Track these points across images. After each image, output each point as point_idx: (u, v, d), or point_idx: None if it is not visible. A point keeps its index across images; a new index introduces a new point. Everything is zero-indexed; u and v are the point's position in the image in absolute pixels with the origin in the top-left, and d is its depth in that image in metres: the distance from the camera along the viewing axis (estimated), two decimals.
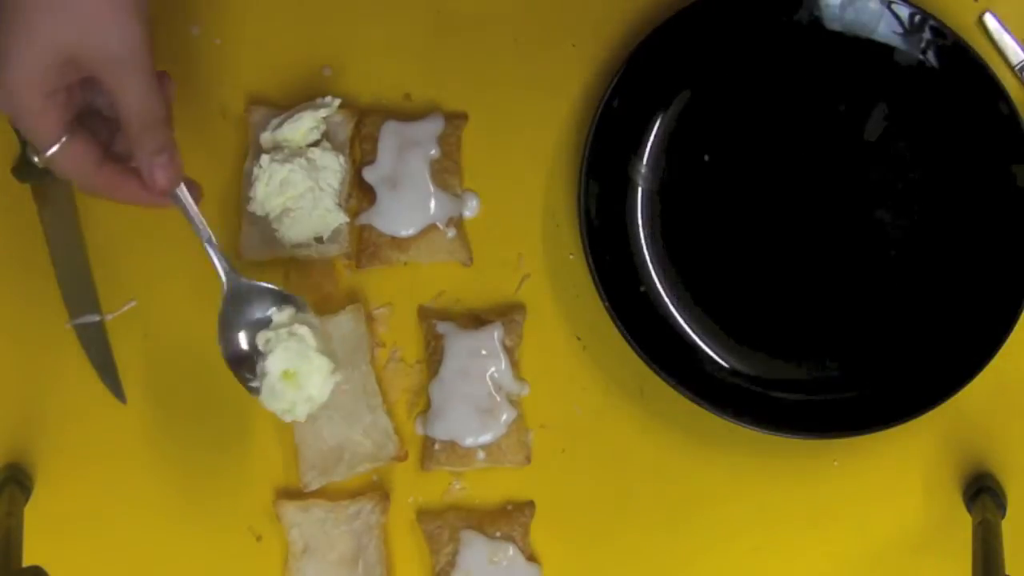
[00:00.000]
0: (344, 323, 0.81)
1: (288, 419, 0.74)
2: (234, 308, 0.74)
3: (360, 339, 0.81)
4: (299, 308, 0.75)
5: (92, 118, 0.70)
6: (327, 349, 0.75)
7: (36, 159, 0.69)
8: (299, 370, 0.74)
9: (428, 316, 0.82)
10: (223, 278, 0.74)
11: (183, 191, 0.72)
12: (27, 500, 0.79)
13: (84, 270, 0.82)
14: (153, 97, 0.69)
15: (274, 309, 0.75)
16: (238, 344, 0.75)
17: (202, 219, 0.72)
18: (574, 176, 0.82)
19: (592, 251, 0.80)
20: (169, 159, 0.70)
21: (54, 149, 0.68)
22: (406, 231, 0.82)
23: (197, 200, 0.73)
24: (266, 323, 0.75)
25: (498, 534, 0.80)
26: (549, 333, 0.83)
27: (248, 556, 0.81)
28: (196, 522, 0.81)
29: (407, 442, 0.81)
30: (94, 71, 0.67)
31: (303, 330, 0.74)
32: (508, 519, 0.80)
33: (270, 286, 0.75)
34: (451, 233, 0.82)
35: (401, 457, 0.80)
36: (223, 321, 0.74)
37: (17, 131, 0.78)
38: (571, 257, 0.83)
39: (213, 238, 0.73)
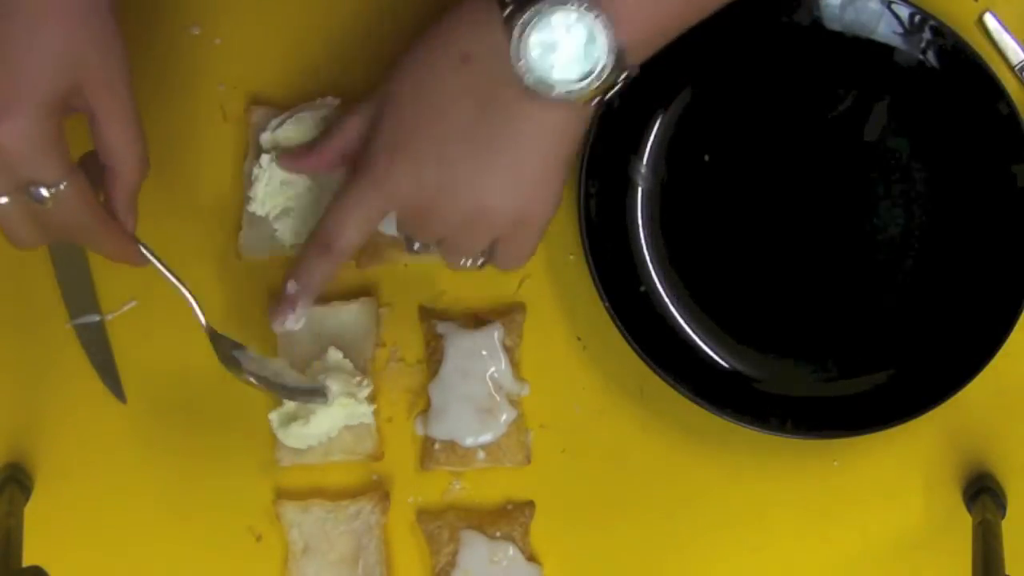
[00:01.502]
0: (353, 311, 0.81)
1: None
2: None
3: (365, 332, 0.81)
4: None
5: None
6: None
7: (41, 198, 0.65)
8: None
9: (428, 316, 0.82)
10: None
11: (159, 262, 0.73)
12: (27, 500, 0.79)
13: (84, 270, 0.82)
14: (141, 139, 0.69)
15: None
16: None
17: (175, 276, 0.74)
18: (574, 176, 0.82)
19: (592, 251, 0.80)
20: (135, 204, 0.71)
21: (66, 183, 0.65)
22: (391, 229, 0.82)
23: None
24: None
25: (498, 534, 0.80)
26: (549, 333, 0.83)
27: (248, 556, 0.81)
28: (196, 522, 0.81)
29: (395, 443, 0.81)
30: (97, 93, 0.66)
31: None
32: (508, 519, 0.80)
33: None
34: None
35: (377, 456, 0.80)
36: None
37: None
38: (571, 257, 0.83)
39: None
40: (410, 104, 0.68)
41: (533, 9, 0.64)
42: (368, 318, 0.81)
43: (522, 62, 0.65)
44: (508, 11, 0.65)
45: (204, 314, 0.74)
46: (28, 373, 0.81)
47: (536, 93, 0.66)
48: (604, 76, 0.66)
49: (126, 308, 0.82)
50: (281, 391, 0.76)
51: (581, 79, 0.66)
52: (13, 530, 0.74)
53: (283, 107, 0.82)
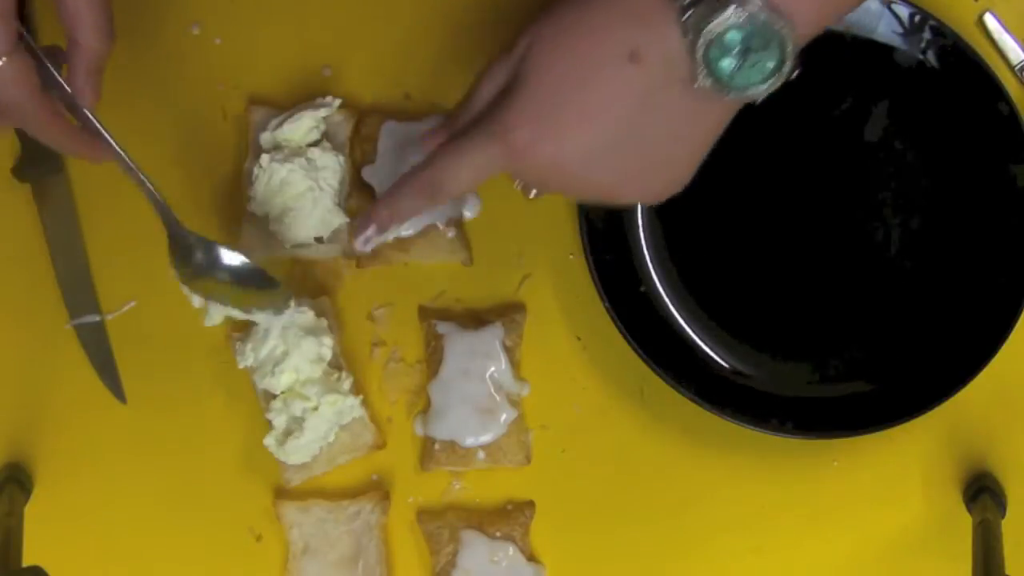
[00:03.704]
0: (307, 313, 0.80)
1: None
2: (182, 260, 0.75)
3: (323, 328, 0.80)
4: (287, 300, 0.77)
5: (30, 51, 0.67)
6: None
7: None
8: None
9: (428, 316, 0.82)
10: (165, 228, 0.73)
11: (122, 155, 0.70)
12: (27, 500, 0.79)
13: (84, 270, 0.82)
14: (100, 13, 0.66)
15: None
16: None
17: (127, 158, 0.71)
18: None
19: (592, 251, 0.80)
20: (99, 77, 0.68)
21: (3, 60, 0.64)
22: (406, 231, 0.82)
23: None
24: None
25: (498, 534, 0.80)
26: (549, 333, 0.83)
27: (248, 556, 0.81)
28: (196, 522, 0.81)
29: (395, 443, 0.81)
30: None
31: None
32: (508, 519, 0.80)
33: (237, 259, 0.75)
34: (451, 233, 0.82)
35: (379, 445, 0.80)
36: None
37: None
38: (571, 257, 0.83)
39: (149, 183, 0.72)
40: (561, 81, 0.64)
41: (713, 11, 0.61)
42: (322, 313, 0.80)
43: (700, 67, 0.62)
44: (686, 13, 0.61)
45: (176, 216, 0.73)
46: (28, 373, 0.81)
47: (708, 94, 0.63)
48: (784, 75, 0.63)
49: (126, 308, 0.82)
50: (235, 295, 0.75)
51: (763, 81, 0.63)
52: (13, 530, 0.74)
53: (283, 107, 0.82)
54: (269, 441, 0.78)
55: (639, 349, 0.79)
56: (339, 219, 0.81)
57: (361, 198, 0.82)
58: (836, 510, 0.81)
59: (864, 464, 0.82)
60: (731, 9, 0.61)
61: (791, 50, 0.62)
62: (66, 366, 0.81)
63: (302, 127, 0.81)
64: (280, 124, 0.81)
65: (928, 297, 0.82)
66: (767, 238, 0.83)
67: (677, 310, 0.82)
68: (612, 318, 0.80)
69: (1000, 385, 0.81)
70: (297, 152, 0.80)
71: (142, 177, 0.71)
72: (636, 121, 0.64)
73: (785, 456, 0.82)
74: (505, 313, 0.82)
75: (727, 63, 0.62)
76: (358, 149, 0.83)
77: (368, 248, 0.72)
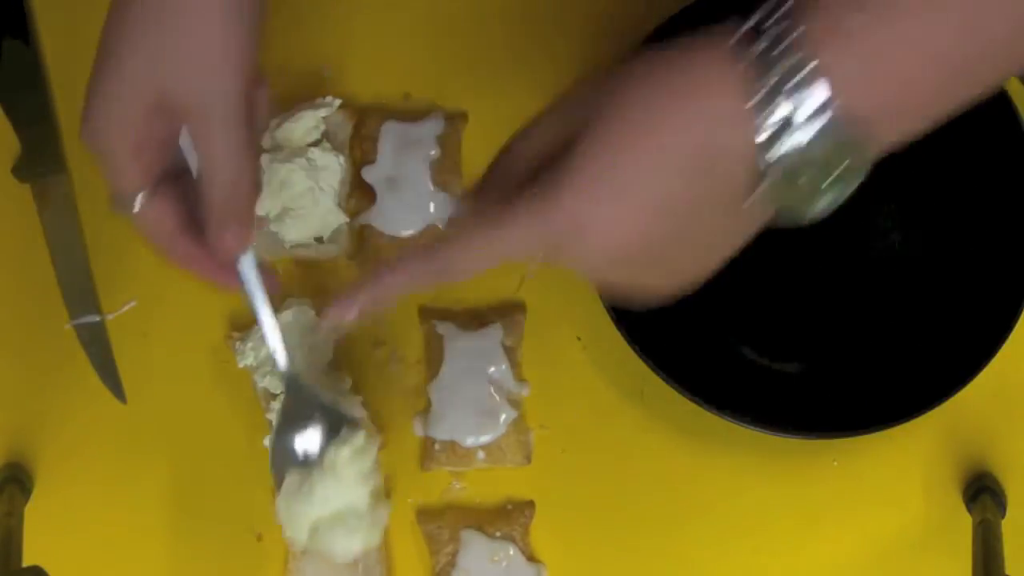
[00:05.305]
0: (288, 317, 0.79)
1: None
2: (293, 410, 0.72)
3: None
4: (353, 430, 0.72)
5: (182, 179, 0.65)
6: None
7: (119, 209, 0.64)
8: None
9: (428, 316, 0.82)
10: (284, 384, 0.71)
11: (255, 281, 0.67)
12: (27, 500, 0.79)
13: (84, 270, 0.82)
14: (238, 158, 0.63)
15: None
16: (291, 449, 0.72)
17: (272, 319, 0.68)
18: None
19: None
20: (240, 227, 0.64)
21: (137, 203, 0.63)
22: (406, 231, 0.82)
23: (274, 289, 0.68)
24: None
25: (498, 534, 0.80)
26: (549, 333, 0.83)
27: (248, 556, 0.81)
28: (196, 522, 0.81)
29: (395, 443, 0.81)
30: (184, 119, 0.62)
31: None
32: (508, 519, 0.80)
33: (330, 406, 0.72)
34: None
35: (379, 445, 0.76)
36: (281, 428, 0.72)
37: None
38: None
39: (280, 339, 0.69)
40: (629, 176, 0.56)
41: (781, 115, 0.55)
42: (306, 319, 0.80)
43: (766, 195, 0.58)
44: (759, 116, 0.55)
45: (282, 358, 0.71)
46: (28, 373, 0.81)
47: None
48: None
49: (126, 308, 0.82)
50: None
51: (828, 206, 0.59)
52: (13, 530, 0.74)
53: (283, 107, 0.82)
54: (269, 441, 0.78)
55: (639, 350, 0.79)
56: (339, 219, 0.81)
57: (361, 198, 0.82)
58: (836, 510, 0.81)
59: (864, 464, 0.81)
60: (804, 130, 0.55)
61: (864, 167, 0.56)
62: (66, 366, 0.81)
63: (302, 127, 0.81)
64: (280, 124, 0.81)
65: (928, 297, 0.82)
66: (765, 237, 0.82)
67: (677, 310, 0.82)
68: (612, 318, 0.79)
69: (1000, 385, 0.81)
70: (297, 152, 0.80)
71: (270, 326, 0.69)
72: (700, 214, 0.59)
73: (785, 456, 0.82)
74: (505, 313, 0.82)
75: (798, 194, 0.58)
76: (358, 149, 0.83)
77: (330, 327, 0.65)
